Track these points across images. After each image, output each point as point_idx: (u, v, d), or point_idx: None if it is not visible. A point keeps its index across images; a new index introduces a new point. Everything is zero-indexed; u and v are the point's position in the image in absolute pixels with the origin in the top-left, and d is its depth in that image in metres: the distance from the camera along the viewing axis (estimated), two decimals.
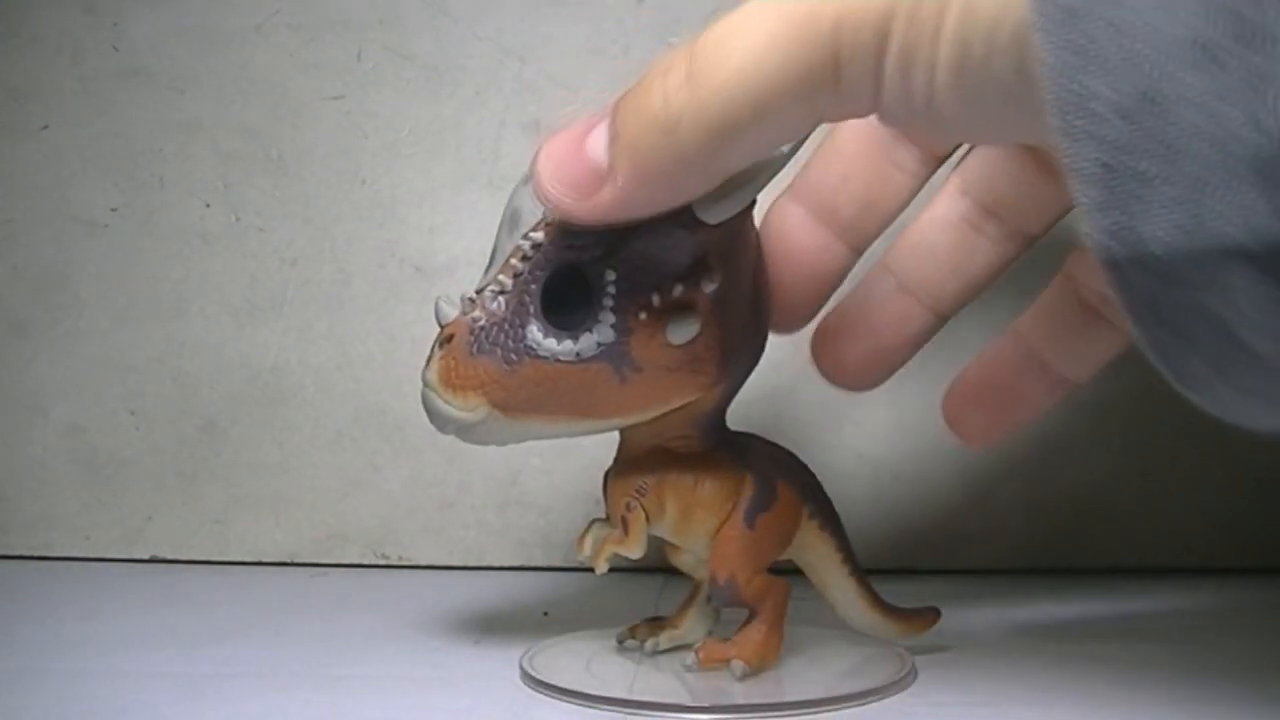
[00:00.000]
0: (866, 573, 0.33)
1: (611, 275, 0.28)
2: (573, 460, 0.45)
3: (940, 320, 0.32)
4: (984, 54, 0.20)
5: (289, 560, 0.46)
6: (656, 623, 0.32)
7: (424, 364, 0.29)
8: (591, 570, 0.30)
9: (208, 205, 0.46)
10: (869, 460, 0.44)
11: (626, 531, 0.29)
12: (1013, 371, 0.31)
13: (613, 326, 0.28)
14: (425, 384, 0.29)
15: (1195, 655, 0.34)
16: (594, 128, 0.26)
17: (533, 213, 0.28)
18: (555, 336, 0.28)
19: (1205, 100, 0.18)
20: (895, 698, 0.29)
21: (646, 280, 0.28)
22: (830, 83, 0.22)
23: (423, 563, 0.46)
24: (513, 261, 0.28)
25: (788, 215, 0.31)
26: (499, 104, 0.45)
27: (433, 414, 0.29)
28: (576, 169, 0.26)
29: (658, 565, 0.33)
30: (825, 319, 0.32)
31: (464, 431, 0.29)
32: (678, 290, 0.28)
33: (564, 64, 0.45)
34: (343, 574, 0.45)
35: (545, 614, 0.38)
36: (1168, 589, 0.42)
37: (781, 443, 0.32)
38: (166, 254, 0.47)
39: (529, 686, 0.30)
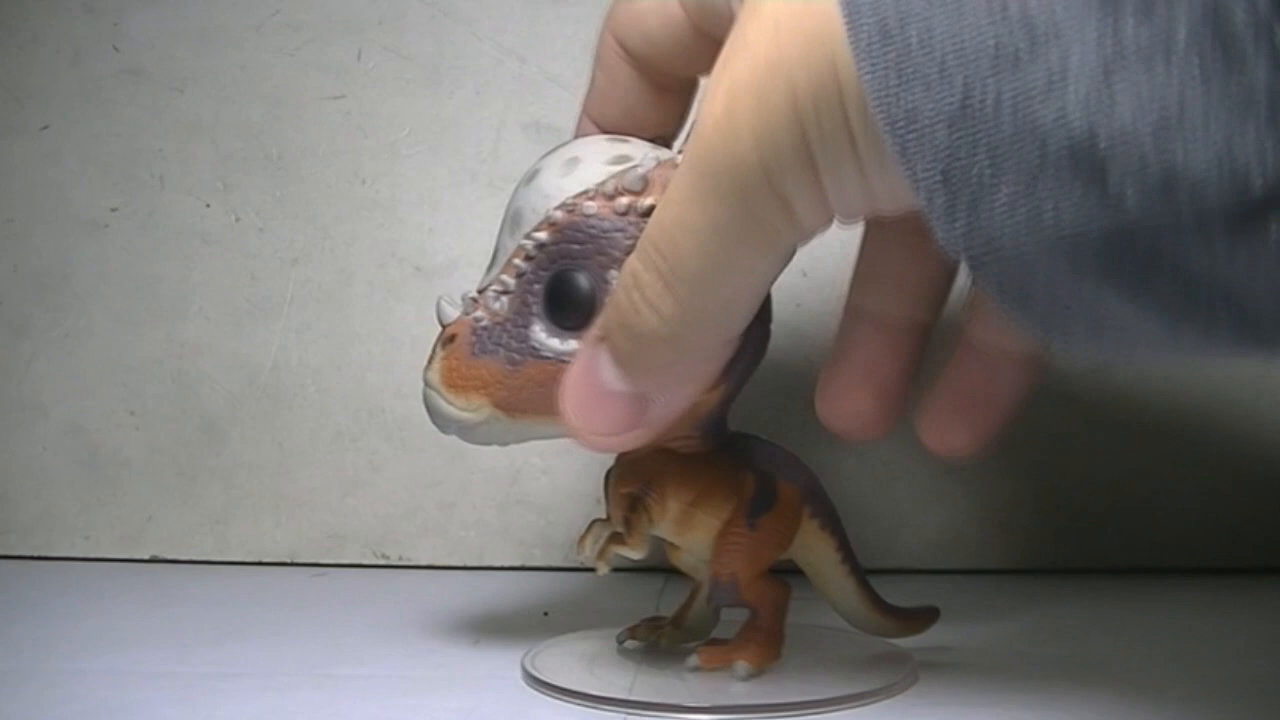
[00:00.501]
0: (867, 573, 0.33)
1: (614, 275, 0.28)
2: (573, 460, 0.45)
3: (928, 330, 0.31)
4: None
5: (289, 560, 0.46)
6: (656, 623, 0.32)
7: (425, 364, 0.29)
8: (592, 570, 0.30)
9: (208, 205, 0.46)
10: (869, 460, 0.44)
11: (629, 532, 0.29)
12: (974, 373, 0.30)
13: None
14: (427, 384, 0.29)
15: (1195, 655, 0.34)
16: (596, 367, 0.26)
17: (535, 212, 0.28)
18: (559, 336, 0.28)
19: (1016, 102, 0.19)
20: (896, 698, 0.29)
21: None
22: (787, 220, 0.23)
23: (423, 563, 0.46)
24: (515, 261, 0.28)
25: None
26: (499, 104, 0.46)
27: (434, 414, 0.29)
28: (611, 414, 0.26)
29: (658, 565, 0.33)
30: (824, 385, 0.31)
31: (466, 431, 0.29)
32: None
33: (564, 64, 0.45)
34: (343, 574, 0.45)
35: (545, 614, 0.38)
36: (1168, 589, 0.42)
37: (781, 443, 0.32)
38: (166, 254, 0.47)
39: (530, 686, 0.30)
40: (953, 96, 0.19)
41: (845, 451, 0.44)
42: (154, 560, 0.47)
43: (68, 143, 0.47)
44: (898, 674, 0.30)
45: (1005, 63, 0.19)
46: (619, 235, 0.28)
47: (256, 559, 0.46)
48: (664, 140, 0.31)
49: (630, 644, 0.32)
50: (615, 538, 0.29)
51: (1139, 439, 0.44)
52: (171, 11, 0.46)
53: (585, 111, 0.31)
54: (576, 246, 0.28)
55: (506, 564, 0.45)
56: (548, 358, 0.28)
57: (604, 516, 0.31)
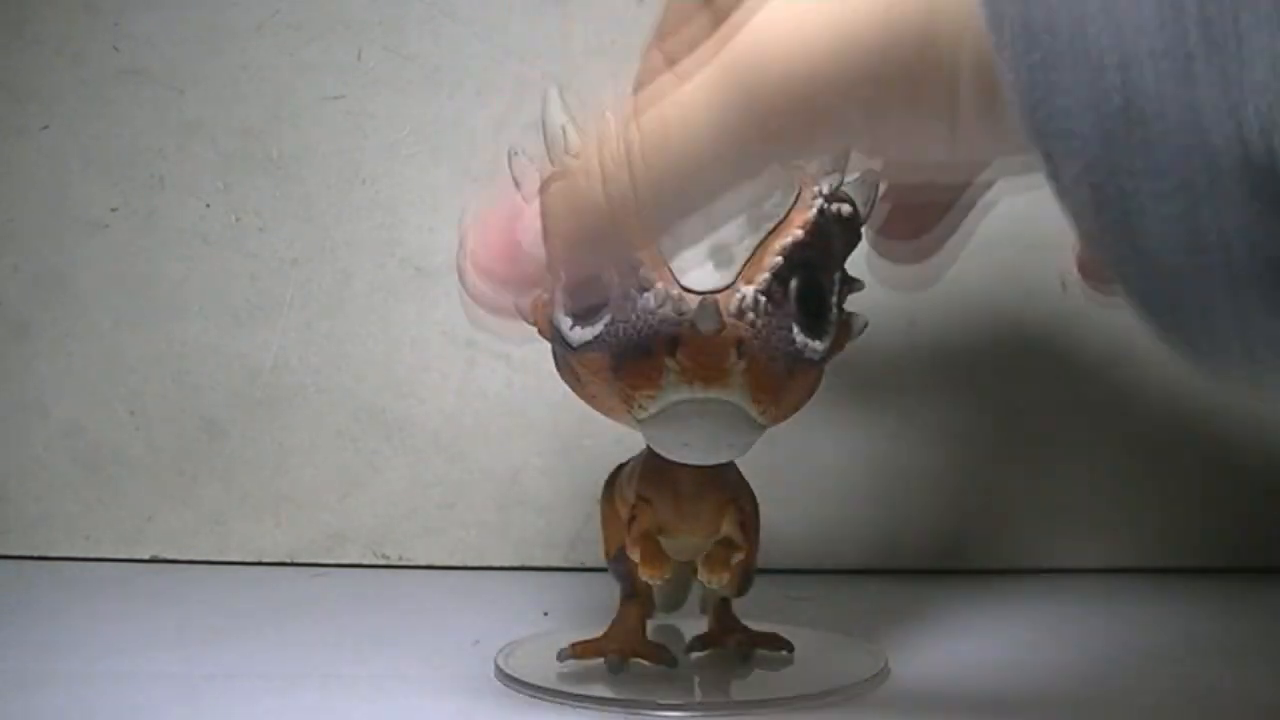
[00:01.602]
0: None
1: (839, 276, 0.28)
2: (573, 460, 0.45)
3: None
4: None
5: (289, 560, 0.46)
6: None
7: (694, 376, 0.25)
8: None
9: (208, 205, 0.46)
10: (869, 460, 0.44)
11: (750, 540, 0.29)
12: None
13: (833, 324, 0.28)
14: (725, 399, 0.25)
15: (1193, 656, 0.34)
16: (523, 214, 0.24)
17: (778, 207, 0.26)
18: (817, 338, 0.27)
19: (1183, 114, 0.17)
20: (896, 694, 0.29)
21: (843, 279, 0.28)
22: (807, 155, 0.22)
23: (423, 563, 0.46)
24: (774, 259, 0.26)
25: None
26: (499, 104, 0.45)
27: (726, 436, 0.26)
28: (517, 272, 0.25)
29: None
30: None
31: (742, 449, 0.27)
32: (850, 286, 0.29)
33: (564, 64, 0.45)
34: (343, 574, 0.45)
35: (545, 614, 0.38)
36: (1167, 589, 0.42)
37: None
38: (166, 254, 0.47)
39: (529, 688, 0.30)
40: (1110, 103, 0.17)
41: (845, 451, 0.44)
42: (154, 560, 0.47)
43: (68, 143, 0.47)
44: (875, 669, 0.31)
45: (1175, 70, 0.17)
46: (837, 242, 0.27)
47: (256, 559, 0.46)
48: None
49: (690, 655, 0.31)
50: (728, 545, 0.29)
51: (1138, 440, 0.44)
52: (171, 11, 0.46)
53: (655, 44, 0.29)
54: (817, 252, 0.26)
55: (506, 564, 0.45)
56: (811, 360, 0.26)
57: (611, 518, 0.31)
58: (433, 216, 0.46)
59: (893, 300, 0.35)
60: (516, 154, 0.28)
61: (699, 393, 0.25)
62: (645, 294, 0.26)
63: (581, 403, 0.28)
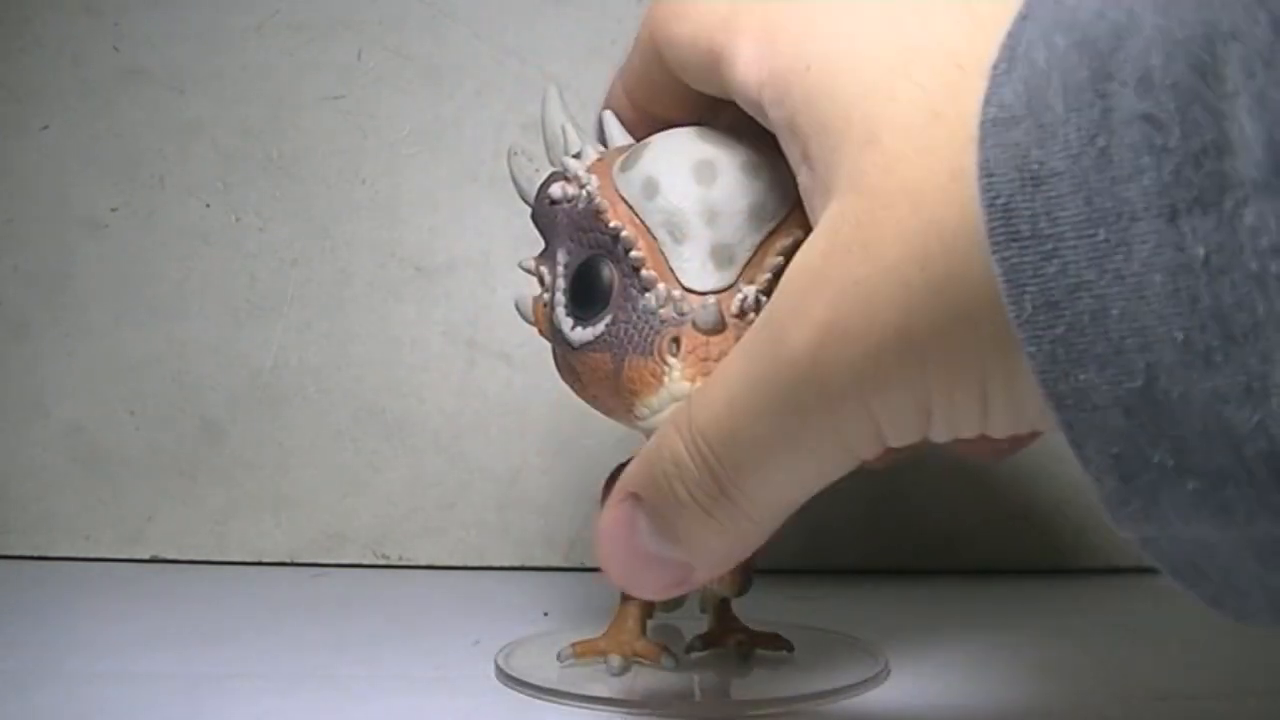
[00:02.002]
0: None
1: None
2: (573, 460, 0.45)
3: None
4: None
5: (289, 560, 0.46)
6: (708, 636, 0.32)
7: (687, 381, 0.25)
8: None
9: (208, 205, 0.46)
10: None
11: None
12: None
13: None
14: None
15: (1193, 656, 0.34)
16: (635, 529, 0.24)
17: (782, 204, 0.26)
18: None
19: (1209, 401, 0.17)
20: (899, 694, 0.29)
21: None
22: (872, 442, 0.21)
23: (423, 563, 0.46)
24: (773, 259, 0.26)
25: None
26: (499, 104, 0.46)
27: None
28: (656, 574, 0.24)
29: None
30: None
31: None
32: None
33: (564, 64, 0.45)
34: (343, 574, 0.45)
35: (545, 614, 0.38)
36: (1167, 589, 0.42)
37: None
38: (166, 254, 0.47)
39: (529, 688, 0.30)
40: (1132, 381, 0.17)
41: None
42: (154, 560, 0.47)
43: (68, 143, 0.47)
44: (874, 669, 0.31)
45: (1195, 359, 0.17)
46: None
47: (256, 559, 0.46)
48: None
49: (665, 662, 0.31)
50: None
51: None
52: (171, 11, 0.46)
53: (621, 82, 0.29)
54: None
55: (506, 564, 0.45)
56: None
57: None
58: (433, 216, 0.46)
59: None
60: (516, 154, 0.28)
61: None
62: (646, 294, 0.25)
63: (581, 403, 0.28)
